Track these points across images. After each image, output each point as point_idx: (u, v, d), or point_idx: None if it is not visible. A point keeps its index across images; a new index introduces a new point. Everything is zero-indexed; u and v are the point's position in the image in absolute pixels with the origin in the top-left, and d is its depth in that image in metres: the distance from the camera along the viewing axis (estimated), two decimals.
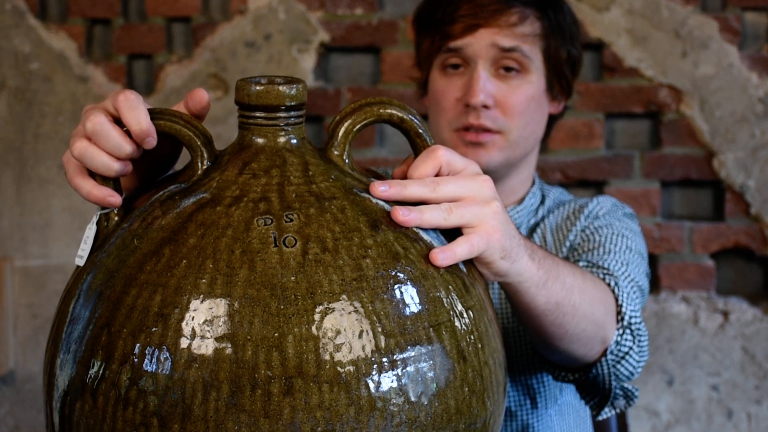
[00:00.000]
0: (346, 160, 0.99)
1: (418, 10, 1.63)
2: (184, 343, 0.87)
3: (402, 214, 0.95)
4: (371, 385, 0.87)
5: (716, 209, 2.52)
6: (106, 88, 2.52)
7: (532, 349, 1.47)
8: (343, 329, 0.87)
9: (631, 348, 1.32)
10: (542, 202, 1.63)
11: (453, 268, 0.96)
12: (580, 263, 1.43)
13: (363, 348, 0.88)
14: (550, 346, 1.24)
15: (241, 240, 0.90)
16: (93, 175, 0.97)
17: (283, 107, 0.97)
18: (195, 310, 0.88)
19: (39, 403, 2.57)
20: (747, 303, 2.51)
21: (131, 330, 0.89)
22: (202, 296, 0.88)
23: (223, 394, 0.86)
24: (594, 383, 1.36)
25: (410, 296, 0.91)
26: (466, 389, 0.93)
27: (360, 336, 0.88)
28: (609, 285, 1.33)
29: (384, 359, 0.88)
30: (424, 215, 0.96)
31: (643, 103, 2.49)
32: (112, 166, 0.95)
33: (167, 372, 0.87)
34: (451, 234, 0.99)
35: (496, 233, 1.00)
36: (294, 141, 0.98)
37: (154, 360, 0.88)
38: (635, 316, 1.32)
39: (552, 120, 1.62)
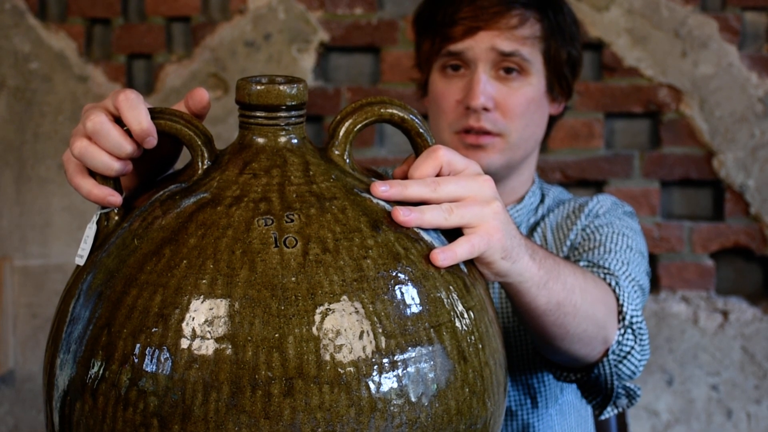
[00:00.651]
0: (347, 160, 0.99)
1: (418, 11, 1.62)
2: (184, 343, 0.87)
3: (402, 215, 0.95)
4: (372, 386, 0.87)
5: (716, 209, 2.52)
6: (105, 88, 2.52)
7: (533, 349, 1.47)
8: (344, 330, 0.87)
9: (632, 347, 1.32)
10: (542, 200, 1.63)
11: (454, 269, 0.96)
12: (581, 263, 1.43)
13: (363, 349, 0.87)
14: (551, 346, 1.24)
15: (242, 240, 0.89)
16: (93, 174, 0.97)
17: (283, 107, 0.96)
18: (195, 310, 0.87)
19: (39, 402, 2.57)
20: (747, 303, 2.51)
21: (131, 330, 0.89)
22: (202, 297, 0.88)
23: (223, 395, 0.86)
24: (596, 383, 1.36)
25: (411, 297, 0.91)
26: (467, 390, 0.93)
27: (360, 337, 0.88)
28: (610, 285, 1.33)
29: (384, 360, 0.88)
30: (424, 215, 0.96)
31: (643, 103, 2.49)
32: (113, 166, 0.95)
33: (167, 372, 0.87)
34: (452, 234, 0.99)
35: (496, 233, 1.00)
36: (295, 141, 0.98)
37: (154, 360, 0.87)
38: (636, 316, 1.32)
39: (552, 120, 1.62)
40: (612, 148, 2.53)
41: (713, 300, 2.51)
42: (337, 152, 0.99)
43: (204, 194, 0.94)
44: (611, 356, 1.31)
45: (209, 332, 0.87)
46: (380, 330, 0.88)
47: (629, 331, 1.31)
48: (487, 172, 1.48)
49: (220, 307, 0.87)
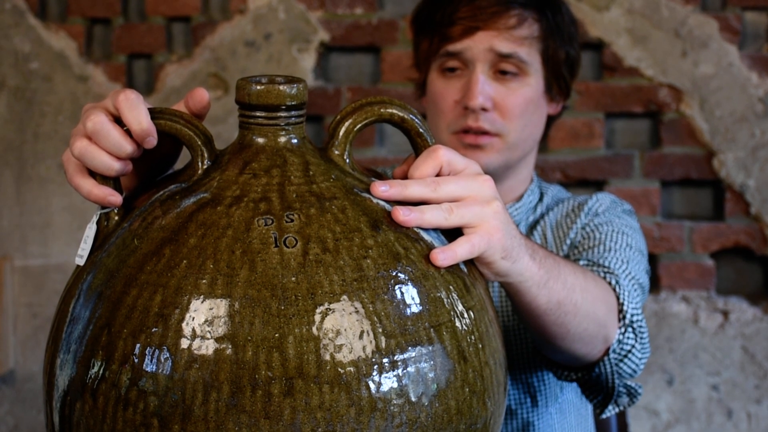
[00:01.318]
0: (347, 160, 0.99)
1: (416, 10, 1.62)
2: (184, 343, 0.87)
3: (403, 214, 0.95)
4: (372, 386, 0.87)
5: (716, 209, 2.52)
6: (106, 88, 2.52)
7: (533, 348, 1.48)
8: (344, 330, 0.87)
9: (633, 346, 1.32)
10: (540, 199, 1.63)
11: (454, 268, 0.96)
12: (581, 262, 1.43)
13: (363, 348, 0.88)
14: (552, 345, 1.24)
15: (242, 240, 0.89)
16: (93, 174, 0.97)
17: (283, 107, 0.96)
18: (195, 310, 0.88)
19: (39, 402, 2.57)
20: (747, 302, 2.51)
21: (131, 330, 0.89)
22: (202, 297, 0.88)
23: (223, 395, 0.86)
24: (597, 382, 1.36)
25: (411, 297, 0.91)
26: (467, 390, 0.93)
27: (360, 337, 0.88)
28: (610, 283, 1.33)
29: (384, 360, 0.88)
30: (424, 215, 0.96)
31: (643, 103, 2.49)
32: (113, 166, 0.95)
33: (167, 372, 0.87)
34: (452, 234, 0.99)
35: (497, 233, 1.00)
36: (294, 141, 0.98)
37: (154, 360, 0.87)
38: (637, 314, 1.32)
39: (550, 120, 1.62)
40: (612, 147, 2.53)
41: (713, 300, 2.51)
42: (337, 152, 0.99)
43: (204, 194, 0.94)
44: (612, 355, 1.31)
45: (209, 332, 0.87)
46: (380, 330, 0.88)
47: (630, 329, 1.31)
48: (485, 172, 1.49)
49: (220, 307, 0.87)
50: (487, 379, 0.95)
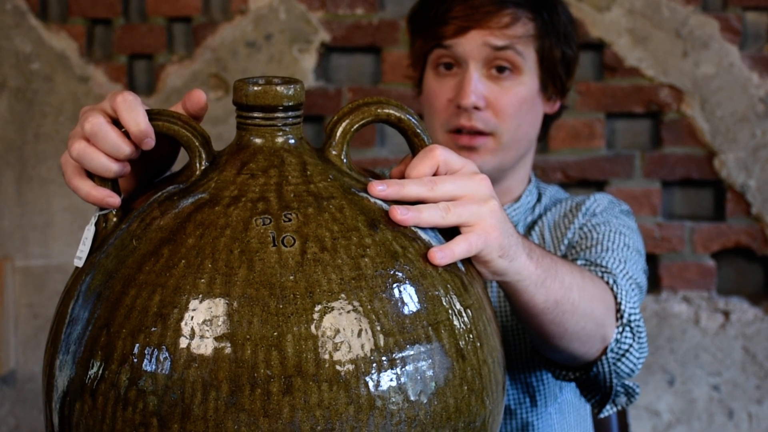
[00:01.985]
0: (344, 160, 0.99)
1: (412, 10, 1.63)
2: (183, 342, 0.87)
3: (400, 213, 0.95)
4: (370, 384, 0.88)
5: (717, 209, 2.52)
6: (106, 88, 2.52)
7: (532, 347, 1.48)
8: (342, 328, 0.87)
9: (631, 345, 1.32)
10: (539, 199, 1.63)
11: (451, 267, 0.96)
12: (578, 261, 1.43)
13: (362, 347, 0.88)
14: (550, 344, 1.24)
15: (240, 240, 0.90)
16: (91, 176, 0.97)
17: (280, 107, 0.97)
18: (194, 309, 0.88)
19: (40, 403, 2.57)
20: (748, 303, 2.51)
21: (130, 330, 0.89)
22: (201, 296, 0.88)
23: (222, 394, 0.86)
24: (595, 381, 1.36)
25: (409, 295, 0.91)
26: (465, 388, 0.93)
27: (359, 335, 0.88)
28: (608, 283, 1.33)
29: (383, 358, 0.88)
30: (422, 214, 0.96)
31: (644, 103, 2.49)
32: (111, 167, 0.95)
33: (166, 372, 0.87)
34: (449, 233, 0.99)
35: (494, 231, 1.00)
36: (292, 141, 0.98)
37: (153, 360, 0.88)
38: (634, 314, 1.32)
39: (548, 119, 1.62)
40: (613, 148, 2.53)
41: (714, 300, 2.51)
42: (334, 152, 0.99)
43: (202, 194, 0.94)
44: (610, 354, 1.31)
45: (208, 331, 0.87)
46: (378, 328, 0.89)
47: (627, 329, 1.31)
48: None
49: (219, 306, 0.87)
50: (485, 377, 0.95)
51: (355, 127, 0.99)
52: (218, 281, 0.88)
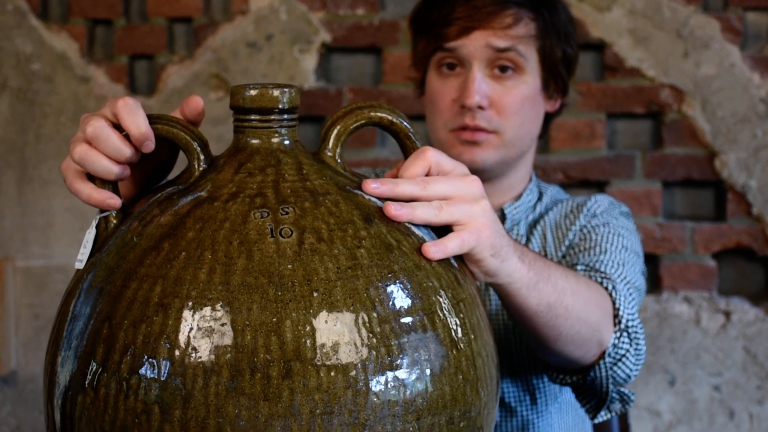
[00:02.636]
0: (339, 161, 1.02)
1: (414, 11, 1.64)
2: (184, 330, 0.89)
3: (394, 209, 0.97)
4: (368, 369, 0.89)
5: (718, 209, 2.52)
6: (107, 89, 2.52)
7: (532, 351, 1.48)
8: (340, 314, 0.89)
9: (627, 351, 1.33)
10: (539, 198, 1.65)
11: (445, 263, 0.98)
12: (578, 266, 1.44)
13: (359, 333, 0.90)
14: (545, 347, 1.26)
15: (239, 232, 0.92)
16: (92, 179, 0.99)
17: (276, 110, 0.99)
18: (194, 298, 0.90)
19: (41, 403, 2.57)
20: (749, 303, 2.51)
21: (132, 321, 0.91)
22: (201, 285, 0.90)
23: (223, 379, 0.88)
24: (591, 386, 1.37)
25: (404, 285, 0.93)
26: (461, 377, 0.95)
27: (356, 321, 0.90)
28: (606, 288, 1.34)
29: (380, 344, 0.90)
30: (415, 211, 0.98)
31: (645, 104, 2.49)
32: (112, 170, 0.97)
33: (168, 360, 0.89)
34: (442, 233, 1.01)
35: (485, 230, 1.02)
36: (287, 142, 1.01)
37: (155, 348, 0.89)
38: (632, 319, 1.33)
39: (549, 118, 1.64)
40: (614, 148, 2.53)
41: (715, 300, 2.51)
42: (329, 154, 1.02)
43: (201, 193, 0.97)
44: (607, 359, 1.32)
45: (208, 318, 0.89)
46: (375, 315, 0.91)
47: (625, 334, 1.33)
48: (482, 169, 1.52)
49: (219, 294, 0.89)
50: (479, 369, 0.97)
51: (348, 130, 1.03)
52: (218, 271, 0.90)
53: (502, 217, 1.59)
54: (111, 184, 0.99)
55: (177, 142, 1.00)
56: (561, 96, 1.62)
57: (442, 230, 1.01)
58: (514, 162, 1.59)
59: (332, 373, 0.88)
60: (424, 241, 0.98)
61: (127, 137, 0.97)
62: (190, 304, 0.89)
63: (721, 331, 2.51)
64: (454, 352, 0.94)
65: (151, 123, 0.98)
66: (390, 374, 0.90)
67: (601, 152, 2.51)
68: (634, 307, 1.38)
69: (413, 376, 0.91)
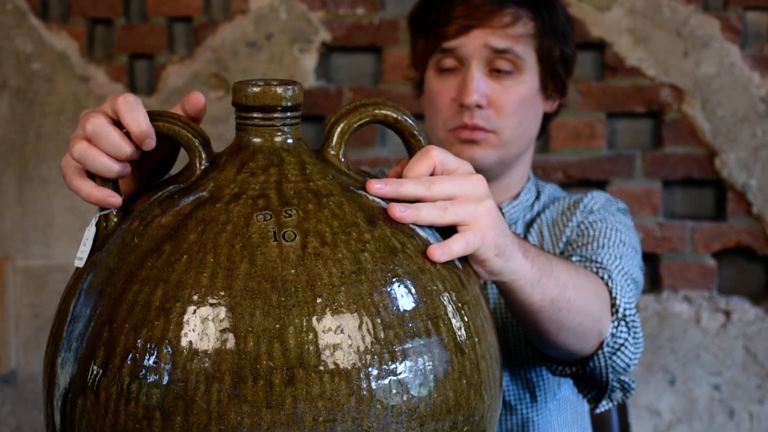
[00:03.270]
0: (342, 160, 1.01)
1: (413, 10, 1.65)
2: (185, 336, 0.88)
3: (399, 210, 0.96)
4: (371, 376, 0.88)
5: (718, 209, 2.52)
6: (107, 88, 2.52)
7: (530, 343, 1.49)
8: (343, 320, 0.88)
9: (626, 339, 1.34)
10: (537, 197, 1.65)
11: (449, 265, 0.97)
12: (574, 258, 1.45)
13: (363, 339, 0.89)
14: (546, 340, 1.26)
15: (241, 235, 0.91)
16: (92, 177, 0.98)
17: (279, 107, 0.98)
18: (196, 303, 0.89)
19: (40, 403, 2.57)
20: (749, 302, 2.51)
21: (133, 325, 0.90)
22: (203, 289, 0.89)
23: (225, 386, 0.87)
24: (591, 376, 1.38)
25: (408, 289, 0.92)
26: (464, 382, 0.94)
27: (360, 327, 0.89)
28: (603, 279, 1.35)
29: (383, 350, 0.89)
30: (420, 212, 0.97)
31: (645, 103, 2.49)
32: (113, 167, 0.96)
33: (169, 365, 0.88)
34: (446, 233, 1.00)
35: (490, 231, 1.01)
36: (290, 141, 0.99)
37: (156, 353, 0.88)
38: (629, 309, 1.35)
39: (547, 118, 1.64)
40: (614, 148, 2.53)
41: (715, 300, 2.51)
42: (332, 152, 1.01)
43: (202, 193, 0.95)
44: (606, 348, 1.33)
45: (210, 324, 0.88)
46: (379, 321, 0.90)
47: (623, 323, 1.34)
48: (481, 168, 1.53)
49: (221, 299, 0.88)
50: (483, 372, 0.96)
51: (352, 127, 1.01)
52: (220, 275, 0.89)
53: None
54: (111, 182, 0.98)
55: (178, 139, 0.98)
56: (559, 96, 1.63)
57: (446, 229, 1.00)
58: (513, 162, 1.59)
59: (335, 380, 0.87)
60: (429, 242, 0.97)
61: (127, 134, 0.96)
62: (192, 309, 0.88)
63: (721, 331, 2.51)
64: (458, 356, 0.94)
65: (151, 120, 0.96)
66: (394, 381, 0.89)
67: (601, 152, 2.51)
68: (631, 298, 1.39)
69: (417, 382, 0.90)
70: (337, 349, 0.88)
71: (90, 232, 0.99)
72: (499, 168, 1.58)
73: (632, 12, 2.47)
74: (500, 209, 1.59)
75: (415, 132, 1.03)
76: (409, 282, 0.92)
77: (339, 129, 1.01)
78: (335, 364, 0.88)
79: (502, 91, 1.53)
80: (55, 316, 1.00)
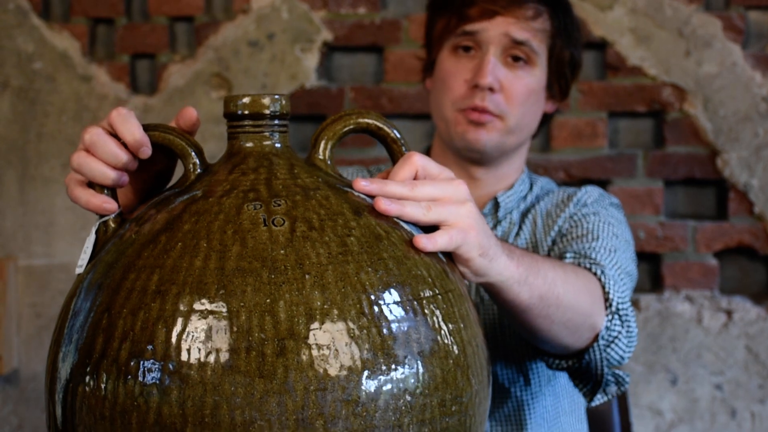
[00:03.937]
0: (329, 163, 1.07)
1: None
2: (180, 313, 0.92)
3: (384, 204, 1.00)
4: (360, 347, 0.92)
5: (720, 208, 2.52)
6: (109, 88, 2.52)
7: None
8: (331, 295, 0.92)
9: (620, 332, 1.38)
10: (530, 189, 1.70)
11: (433, 256, 1.02)
12: (568, 254, 1.49)
13: (350, 312, 0.92)
14: (539, 336, 1.29)
15: (233, 222, 0.96)
16: (92, 187, 1.03)
17: (268, 115, 1.04)
18: (191, 284, 0.92)
19: (42, 402, 2.58)
20: (750, 302, 2.51)
21: (131, 309, 0.93)
22: (197, 271, 0.93)
23: (219, 358, 0.90)
24: (586, 370, 1.41)
25: (393, 271, 0.96)
26: (451, 362, 0.97)
27: (347, 301, 0.93)
28: (596, 274, 1.39)
29: (371, 325, 0.93)
30: (405, 208, 1.02)
31: (647, 102, 2.49)
32: (109, 174, 1.01)
33: (165, 342, 0.91)
34: (428, 232, 1.04)
35: (472, 230, 1.05)
36: (279, 146, 1.05)
37: (152, 333, 0.92)
38: (623, 302, 1.38)
39: (545, 119, 1.70)
40: (616, 147, 2.53)
41: (717, 299, 2.51)
42: (320, 157, 1.07)
43: (196, 192, 1.01)
44: (600, 341, 1.36)
45: (204, 302, 0.91)
46: (365, 297, 0.93)
47: (616, 317, 1.37)
48: (483, 150, 1.57)
49: (214, 278, 0.92)
50: (470, 356, 0.99)
51: (337, 135, 1.07)
52: (213, 258, 0.93)
53: (496, 205, 1.65)
54: (109, 190, 1.03)
55: (173, 148, 1.04)
56: (560, 99, 1.69)
57: (428, 231, 1.04)
58: (510, 151, 1.65)
59: (324, 350, 0.91)
60: (413, 235, 1.01)
61: (124, 145, 1.01)
62: (187, 289, 0.92)
63: (723, 330, 2.51)
64: (444, 337, 0.97)
65: (147, 131, 1.02)
66: (381, 353, 0.92)
67: (602, 151, 2.51)
68: (624, 292, 1.43)
69: (405, 355, 0.94)
70: (325, 321, 0.91)
71: (90, 240, 1.04)
72: (498, 153, 1.62)
73: (634, 11, 2.47)
74: (495, 199, 1.63)
75: (397, 138, 1.08)
76: (394, 265, 0.96)
77: (325, 137, 1.07)
78: (324, 335, 0.91)
79: (514, 80, 1.59)
80: (58, 319, 1.03)
